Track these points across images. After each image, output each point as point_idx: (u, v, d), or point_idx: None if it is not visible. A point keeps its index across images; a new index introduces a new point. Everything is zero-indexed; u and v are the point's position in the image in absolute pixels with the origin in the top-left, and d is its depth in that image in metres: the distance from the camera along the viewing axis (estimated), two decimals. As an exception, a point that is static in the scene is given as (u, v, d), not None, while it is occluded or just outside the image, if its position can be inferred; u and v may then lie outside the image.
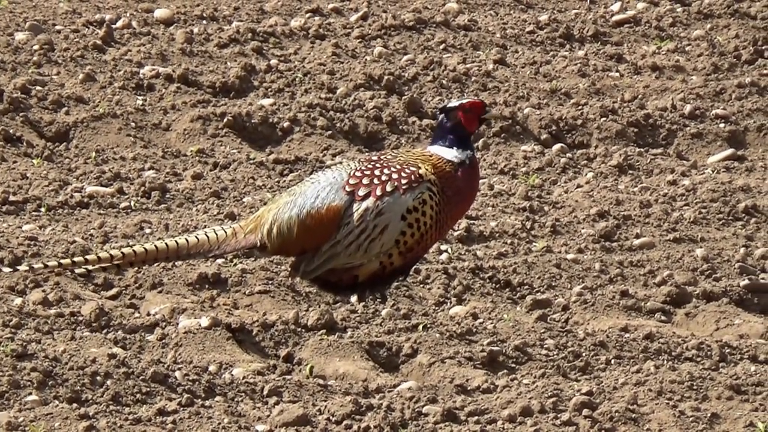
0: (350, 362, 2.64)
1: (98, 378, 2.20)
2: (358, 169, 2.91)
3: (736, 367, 2.51)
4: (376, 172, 2.98)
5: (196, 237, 2.99)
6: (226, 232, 2.96)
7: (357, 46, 6.70)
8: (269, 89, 5.98)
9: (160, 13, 6.90)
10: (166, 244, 2.96)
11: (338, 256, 2.84)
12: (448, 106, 3.33)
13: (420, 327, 2.94)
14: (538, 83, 6.40)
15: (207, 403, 2.19)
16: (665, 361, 2.61)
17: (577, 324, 3.07)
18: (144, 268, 3.60)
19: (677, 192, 4.91)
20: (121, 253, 2.92)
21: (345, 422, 2.02)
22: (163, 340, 2.72)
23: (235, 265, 3.70)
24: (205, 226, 4.20)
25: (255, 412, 2.16)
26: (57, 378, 2.20)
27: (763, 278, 3.67)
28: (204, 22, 7.02)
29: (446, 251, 3.30)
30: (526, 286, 3.59)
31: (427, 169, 3.04)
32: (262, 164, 5.11)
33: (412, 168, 3.03)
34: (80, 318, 2.97)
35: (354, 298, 3.20)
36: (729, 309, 3.19)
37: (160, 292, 3.43)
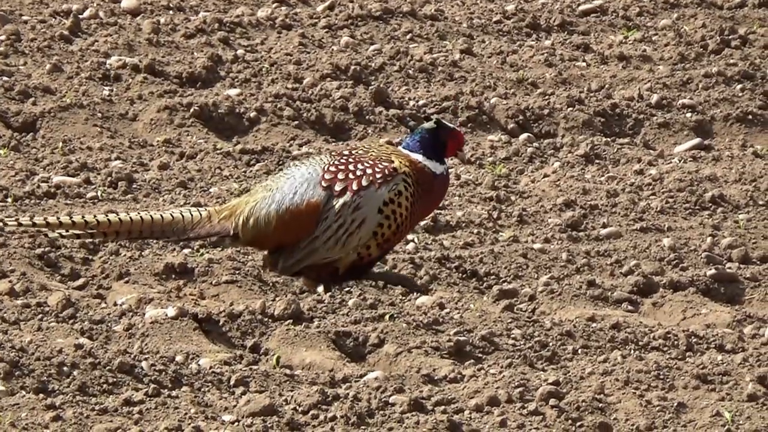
0: (317, 352, 2.65)
1: (65, 368, 2.18)
2: (331, 164, 2.93)
3: (703, 356, 2.55)
4: (350, 167, 3.00)
5: (171, 214, 3.01)
6: (201, 215, 2.97)
7: (323, 36, 6.67)
8: (236, 79, 5.93)
9: (127, 3, 6.82)
10: (141, 216, 2.96)
11: (317, 251, 2.88)
12: (444, 122, 3.34)
13: (387, 317, 2.95)
14: (504, 73, 6.43)
15: (174, 393, 2.18)
16: (632, 351, 2.58)
17: (544, 314, 3.11)
18: (112, 257, 3.56)
19: (644, 182, 4.96)
20: (96, 220, 2.93)
21: (312, 412, 2.03)
22: (130, 331, 2.69)
23: (202, 255, 3.68)
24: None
25: (222, 402, 2.16)
26: (24, 368, 2.19)
27: (729, 268, 3.70)
28: (171, 12, 6.93)
29: (413, 241, 3.32)
30: (493, 276, 3.62)
31: (401, 162, 3.09)
32: (228, 154, 5.07)
33: (385, 162, 3.07)
34: (47, 308, 2.94)
35: (320, 289, 3.21)
36: (696, 299, 3.23)
37: (126, 282, 3.40)
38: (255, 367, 2.51)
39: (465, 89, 6.07)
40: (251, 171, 4.96)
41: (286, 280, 3.47)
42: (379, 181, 2.91)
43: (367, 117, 5.59)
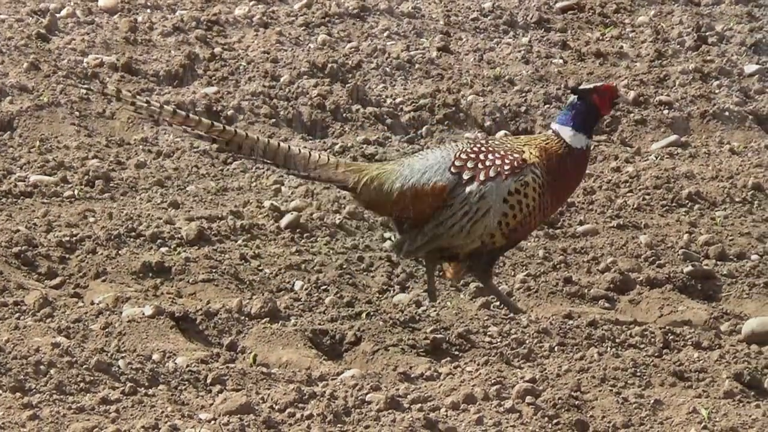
0: (294, 350, 2.66)
1: (42, 367, 2.17)
2: (463, 151, 2.99)
3: (680, 353, 2.54)
4: (481, 156, 3.02)
5: (299, 149, 3.19)
6: (328, 159, 3.09)
7: (301, 33, 6.65)
8: (213, 78, 5.89)
9: (104, 2, 6.76)
10: (268, 140, 3.16)
11: (441, 237, 2.91)
12: (581, 87, 3.38)
13: (363, 315, 2.96)
14: (481, 70, 6.46)
15: (150, 391, 2.18)
16: (609, 348, 2.62)
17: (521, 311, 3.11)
18: (89, 255, 3.53)
19: (621, 179, 5.00)
20: (223, 127, 3.12)
21: (288, 410, 2.04)
22: (107, 329, 2.68)
23: (179, 254, 3.66)
24: (149, 215, 4.15)
25: (198, 401, 2.16)
26: (0, 367, 2.17)
27: (706, 265, 3.72)
28: (148, 10, 6.87)
29: (389, 239, 3.33)
30: (470, 274, 3.62)
31: (531, 153, 3.08)
32: (205, 153, 5.04)
33: (515, 155, 3.07)
34: (24, 307, 2.92)
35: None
36: (672, 296, 3.25)
37: (104, 281, 3.39)
38: (232, 365, 2.51)
39: (442, 87, 6.10)
40: (228, 170, 4.95)
41: (263, 278, 3.48)
42: (506, 172, 2.97)
43: (344, 115, 5.59)
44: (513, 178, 3.01)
